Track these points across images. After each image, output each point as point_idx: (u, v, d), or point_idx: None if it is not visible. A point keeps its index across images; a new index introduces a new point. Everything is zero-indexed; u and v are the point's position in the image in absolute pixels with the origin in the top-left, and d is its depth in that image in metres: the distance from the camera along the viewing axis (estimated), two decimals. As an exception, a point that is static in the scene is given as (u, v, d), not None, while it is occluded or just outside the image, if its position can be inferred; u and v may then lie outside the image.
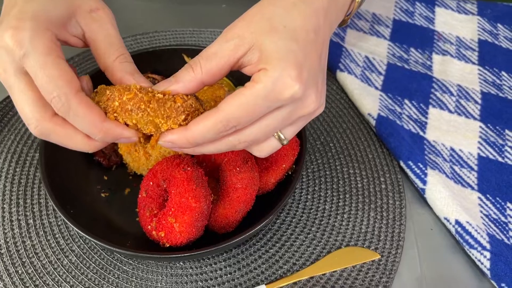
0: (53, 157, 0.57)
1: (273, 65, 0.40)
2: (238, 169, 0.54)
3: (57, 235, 0.59)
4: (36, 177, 0.63)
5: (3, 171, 0.63)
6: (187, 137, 0.42)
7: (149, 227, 0.54)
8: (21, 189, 0.62)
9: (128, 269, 0.56)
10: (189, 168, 0.52)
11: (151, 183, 0.55)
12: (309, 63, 0.42)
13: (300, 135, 0.60)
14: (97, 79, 0.47)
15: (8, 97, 0.71)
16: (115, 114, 0.43)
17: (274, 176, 0.57)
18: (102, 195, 0.61)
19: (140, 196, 0.56)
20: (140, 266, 0.57)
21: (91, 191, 0.61)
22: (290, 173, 0.59)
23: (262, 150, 0.47)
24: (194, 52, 0.69)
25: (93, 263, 0.57)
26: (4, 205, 0.60)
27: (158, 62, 0.68)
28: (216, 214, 0.54)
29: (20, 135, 0.67)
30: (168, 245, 0.52)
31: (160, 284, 0.56)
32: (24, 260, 0.56)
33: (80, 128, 0.42)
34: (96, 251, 0.58)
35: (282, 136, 0.46)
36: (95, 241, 0.50)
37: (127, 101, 0.42)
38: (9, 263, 0.56)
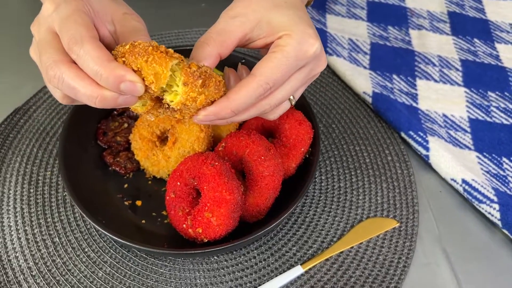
0: (74, 175, 0.57)
1: (294, 29, 0.45)
2: (262, 157, 0.55)
3: (86, 249, 0.58)
4: (52, 196, 0.63)
5: (17, 193, 0.62)
6: (231, 106, 0.44)
7: (184, 226, 0.54)
8: (39, 209, 0.61)
9: (164, 271, 0.57)
10: (216, 163, 0.53)
11: (178, 183, 0.56)
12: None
13: (310, 118, 0.62)
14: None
15: (8, 117, 0.69)
16: (123, 59, 0.41)
17: (295, 160, 0.59)
18: (126, 203, 0.61)
19: (168, 197, 0.57)
20: (176, 266, 0.57)
21: (114, 201, 0.61)
22: (307, 156, 0.61)
23: (276, 113, 0.51)
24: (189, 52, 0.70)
25: (128, 270, 0.57)
26: (26, 228, 0.59)
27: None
28: (247, 204, 0.56)
29: (27, 156, 0.66)
30: (206, 240, 0.54)
31: (199, 280, 0.57)
32: (58, 278, 0.56)
33: (88, 68, 0.41)
34: (129, 258, 0.58)
35: (291, 97, 0.50)
36: (138, 247, 0.51)
37: (136, 45, 0.41)
38: (44, 283, 0.55)
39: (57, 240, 0.59)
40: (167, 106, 0.45)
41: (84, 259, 0.57)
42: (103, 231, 0.51)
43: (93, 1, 0.46)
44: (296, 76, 0.47)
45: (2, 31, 0.84)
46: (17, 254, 0.57)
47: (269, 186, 0.55)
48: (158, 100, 0.45)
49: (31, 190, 0.63)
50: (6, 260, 0.57)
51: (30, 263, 0.57)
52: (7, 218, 0.60)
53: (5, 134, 0.68)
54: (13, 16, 0.87)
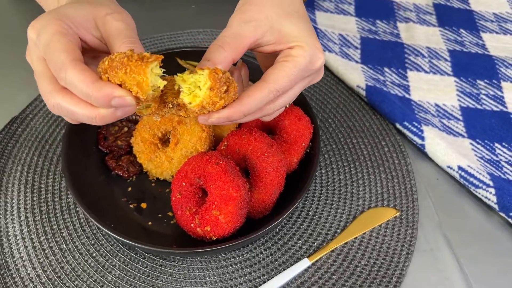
0: (78, 181, 0.57)
1: (306, 41, 0.47)
2: (266, 154, 0.56)
3: (94, 254, 0.58)
4: (55, 203, 0.63)
5: (20, 202, 0.62)
6: (243, 110, 0.45)
7: (192, 225, 0.55)
8: (44, 217, 0.61)
9: (173, 271, 0.58)
10: (221, 162, 0.54)
11: (183, 183, 0.56)
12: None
13: (308, 113, 0.63)
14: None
15: (5, 127, 0.69)
16: (106, 75, 0.41)
17: (296, 155, 0.60)
18: (131, 206, 0.61)
19: (174, 198, 0.57)
20: (185, 265, 0.58)
21: (119, 204, 0.61)
22: (308, 150, 0.62)
23: (272, 115, 0.53)
24: (186, 54, 0.71)
25: (137, 273, 0.57)
26: (32, 236, 0.59)
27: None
28: (252, 200, 0.56)
29: (27, 165, 0.66)
30: (215, 238, 0.54)
31: (209, 278, 0.57)
32: (68, 284, 0.56)
33: (77, 92, 0.42)
34: (138, 261, 0.58)
35: None
36: (148, 248, 0.51)
37: (114, 59, 0.41)
38: (53, 290, 0.55)
39: (64, 246, 0.59)
40: (171, 106, 0.45)
41: (92, 264, 0.58)
42: (113, 235, 0.52)
43: (71, 14, 0.45)
44: (300, 84, 0.49)
45: (4, 44, 0.84)
46: (25, 263, 0.57)
47: (273, 181, 0.56)
48: (162, 101, 0.46)
49: (34, 198, 0.63)
50: (15, 269, 0.57)
51: (39, 271, 0.57)
52: (12, 227, 0.60)
53: (3, 144, 0.67)
54: (3, 26, 0.87)
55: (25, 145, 0.68)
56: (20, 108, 0.72)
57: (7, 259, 0.57)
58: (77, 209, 0.62)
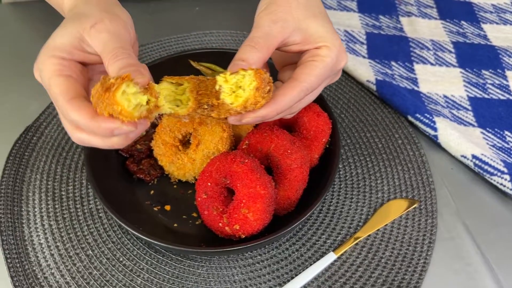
0: (103, 187, 0.57)
1: (333, 42, 0.49)
2: (289, 151, 0.57)
3: (120, 259, 0.59)
4: (77, 209, 0.62)
5: (43, 211, 0.62)
6: (277, 108, 0.46)
7: (220, 224, 0.55)
8: (67, 224, 0.61)
9: (201, 271, 0.58)
10: (246, 160, 0.55)
11: (209, 183, 0.57)
12: None
13: (325, 109, 0.64)
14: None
15: (20, 136, 0.69)
16: (97, 109, 0.42)
17: (317, 151, 0.61)
18: (155, 209, 0.61)
19: (199, 199, 0.58)
20: (212, 265, 0.58)
21: (143, 208, 0.61)
22: (328, 146, 0.63)
23: (295, 113, 0.54)
24: (199, 55, 0.71)
25: (166, 275, 0.58)
26: (57, 243, 0.59)
27: (166, 71, 0.69)
28: (278, 198, 0.57)
29: (46, 173, 0.66)
30: (243, 236, 0.55)
31: (237, 276, 0.58)
32: (97, 290, 0.56)
33: (85, 129, 0.44)
34: (165, 263, 0.58)
35: None
36: (180, 248, 0.51)
37: (93, 95, 0.42)
38: (84, 296, 0.55)
39: (90, 252, 0.59)
40: (206, 107, 0.46)
41: (120, 269, 0.58)
42: (146, 238, 0.52)
43: (60, 44, 0.45)
44: (324, 83, 0.51)
45: (5, 51, 0.83)
46: (53, 271, 0.57)
47: (298, 178, 0.57)
48: (198, 102, 0.46)
49: (56, 206, 0.62)
50: (43, 278, 0.56)
51: (67, 278, 0.57)
52: (37, 236, 0.60)
53: (20, 153, 0.67)
54: (11, 36, 0.86)
55: (41, 153, 0.68)
56: (33, 117, 0.72)
57: (34, 268, 0.57)
58: (100, 214, 0.62)
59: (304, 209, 0.56)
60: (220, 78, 0.45)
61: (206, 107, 0.46)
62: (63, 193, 0.64)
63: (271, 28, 0.47)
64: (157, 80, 0.47)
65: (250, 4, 0.95)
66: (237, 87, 0.44)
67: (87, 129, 0.43)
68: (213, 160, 0.58)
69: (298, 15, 0.49)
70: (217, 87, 0.45)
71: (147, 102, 0.44)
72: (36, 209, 0.62)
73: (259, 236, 0.55)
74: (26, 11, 0.89)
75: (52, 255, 0.58)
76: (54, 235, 0.60)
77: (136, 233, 0.53)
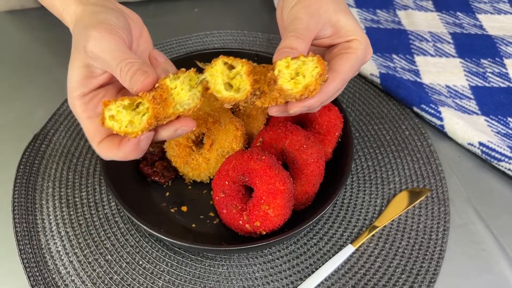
0: (121, 193, 0.57)
1: (362, 36, 0.51)
2: (304, 146, 0.57)
3: (140, 262, 0.58)
4: (93, 215, 0.62)
5: (58, 218, 0.61)
6: (322, 98, 0.47)
7: (240, 222, 0.56)
8: (84, 230, 0.61)
9: (222, 270, 0.58)
10: (263, 157, 0.55)
11: (226, 182, 0.57)
12: None
13: (335, 103, 0.65)
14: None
15: (29, 145, 0.68)
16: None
17: (330, 145, 0.62)
18: (172, 210, 0.61)
19: (217, 198, 0.58)
20: (233, 263, 0.58)
21: (160, 210, 0.61)
22: (340, 140, 0.64)
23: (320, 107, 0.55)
24: (204, 56, 0.71)
25: (187, 275, 0.58)
26: (75, 250, 0.59)
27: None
28: (296, 193, 0.57)
29: (58, 180, 0.65)
30: (264, 233, 0.55)
31: (258, 273, 0.58)
32: (119, 294, 0.56)
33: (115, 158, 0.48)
34: (185, 264, 0.58)
35: None
36: (203, 247, 0.52)
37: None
38: (106, 302, 0.55)
39: (109, 257, 0.59)
40: (258, 93, 0.46)
41: (140, 272, 0.58)
42: (170, 239, 0.52)
43: (76, 80, 0.47)
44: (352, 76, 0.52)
45: (5, 60, 0.82)
46: (73, 278, 0.57)
47: (314, 172, 0.57)
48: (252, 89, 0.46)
49: (71, 213, 0.62)
50: (63, 286, 0.56)
51: (88, 284, 0.56)
52: (54, 244, 0.59)
53: (30, 162, 0.66)
54: (10, 44, 0.85)
55: (51, 160, 0.67)
56: (39, 124, 0.71)
57: (53, 276, 0.57)
58: (116, 219, 0.62)
59: (322, 203, 0.57)
60: (281, 63, 0.45)
61: (257, 93, 0.46)
62: (77, 199, 0.63)
63: (309, 22, 0.49)
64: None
65: (248, 3, 0.96)
66: (296, 73, 0.45)
67: (122, 159, 0.47)
68: (229, 158, 0.58)
69: (328, 9, 0.50)
70: (276, 72, 0.45)
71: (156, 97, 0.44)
72: (51, 217, 0.61)
73: (279, 232, 0.56)
74: (23, 19, 0.88)
75: (71, 262, 0.58)
76: (72, 242, 0.59)
77: (160, 235, 0.52)
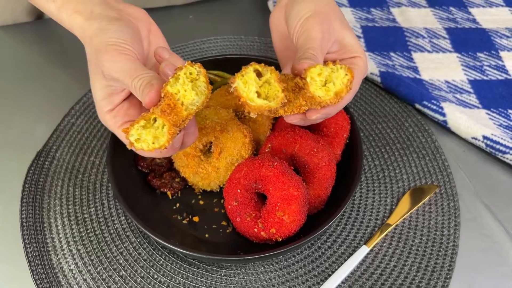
0: (132, 207, 0.56)
1: (362, 53, 0.54)
2: (315, 150, 0.57)
3: (155, 276, 0.58)
4: (103, 231, 0.61)
5: (68, 236, 0.60)
6: (339, 107, 0.50)
7: (255, 230, 0.55)
8: (95, 247, 0.60)
9: (239, 279, 0.58)
10: (275, 163, 0.55)
11: (238, 190, 0.57)
12: None
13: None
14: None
15: (33, 162, 0.67)
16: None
17: (339, 147, 0.62)
18: (184, 222, 0.61)
19: (230, 207, 0.57)
20: (248, 271, 0.58)
21: (172, 222, 0.60)
22: (347, 141, 0.64)
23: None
24: (207, 63, 0.70)
25: (204, 286, 0.57)
26: (88, 268, 0.58)
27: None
28: (309, 197, 0.57)
29: (64, 197, 0.64)
30: (280, 240, 0.55)
31: (275, 280, 0.58)
32: (137, 310, 0.55)
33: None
34: (201, 275, 0.58)
35: None
36: (223, 258, 0.51)
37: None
38: (124, 318, 0.54)
39: (124, 273, 0.58)
40: (285, 101, 0.46)
41: (156, 286, 0.57)
42: (187, 252, 0.52)
43: (102, 97, 0.51)
44: None
45: (5, 76, 0.80)
46: (88, 296, 0.56)
47: (326, 175, 0.57)
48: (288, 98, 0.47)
49: (81, 230, 0.61)
50: (79, 304, 0.55)
51: (104, 301, 0.55)
52: (66, 262, 0.58)
53: (35, 180, 0.65)
54: (7, 60, 0.83)
55: (56, 177, 0.66)
56: (40, 139, 0.70)
57: (68, 295, 0.56)
58: (127, 233, 0.61)
59: (336, 205, 0.57)
60: (314, 70, 0.46)
61: (284, 101, 0.46)
62: (86, 215, 0.63)
63: (323, 39, 0.51)
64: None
65: (242, 8, 0.95)
66: (325, 81, 0.46)
67: (158, 156, 0.51)
68: (239, 166, 0.57)
69: (337, 26, 0.53)
70: (308, 79, 0.45)
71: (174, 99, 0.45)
72: (60, 235, 0.60)
73: (295, 238, 0.55)
74: (16, 33, 0.87)
75: (85, 280, 0.57)
76: (84, 260, 0.59)
77: (177, 249, 0.52)
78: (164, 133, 0.44)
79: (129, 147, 0.45)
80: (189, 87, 0.45)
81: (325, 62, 0.47)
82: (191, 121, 0.50)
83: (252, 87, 0.45)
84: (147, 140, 0.45)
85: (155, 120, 0.45)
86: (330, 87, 0.45)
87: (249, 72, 0.45)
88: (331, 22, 0.52)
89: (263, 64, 0.46)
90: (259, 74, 0.46)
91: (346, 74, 0.46)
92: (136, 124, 0.45)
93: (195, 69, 0.46)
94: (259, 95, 0.46)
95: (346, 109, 0.64)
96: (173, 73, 0.45)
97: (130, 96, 0.52)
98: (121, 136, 0.51)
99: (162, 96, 0.45)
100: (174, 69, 0.46)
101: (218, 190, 0.63)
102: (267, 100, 0.46)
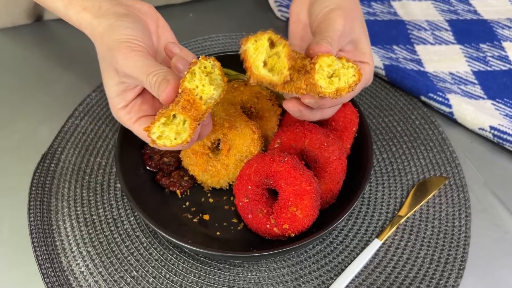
0: (142, 207, 0.56)
1: (372, 62, 0.55)
2: (325, 144, 0.57)
3: (167, 275, 0.57)
4: (112, 232, 0.60)
5: (77, 238, 0.60)
6: (335, 102, 0.51)
7: (267, 226, 0.55)
8: (105, 248, 0.59)
9: (252, 276, 0.57)
10: (286, 158, 0.54)
11: (249, 187, 0.56)
12: None
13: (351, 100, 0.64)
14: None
15: (38, 165, 0.66)
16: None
17: (348, 141, 0.61)
18: (194, 220, 0.60)
19: (241, 204, 0.57)
20: (261, 268, 0.58)
21: (183, 221, 0.60)
22: (356, 135, 0.63)
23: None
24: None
25: (217, 284, 0.56)
26: (99, 269, 0.57)
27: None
28: (320, 192, 0.57)
29: (72, 199, 0.63)
30: (293, 235, 0.54)
31: (288, 276, 0.57)
32: (150, 310, 0.54)
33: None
34: (214, 273, 0.57)
35: None
36: (237, 255, 0.51)
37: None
38: (138, 319, 0.54)
39: (135, 273, 0.57)
40: (288, 80, 0.46)
41: (169, 285, 0.56)
42: (201, 250, 0.51)
43: (115, 94, 0.51)
44: None
45: (5, 80, 0.80)
46: (100, 298, 0.55)
47: (337, 169, 0.57)
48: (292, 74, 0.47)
49: (90, 232, 0.60)
50: (91, 306, 0.54)
51: (117, 303, 0.55)
52: (76, 265, 0.57)
53: (41, 182, 0.64)
54: (7, 63, 0.82)
55: (63, 179, 0.65)
56: (45, 143, 0.69)
57: (80, 298, 0.55)
58: (137, 234, 0.60)
59: (348, 199, 0.56)
60: (326, 60, 0.45)
61: (287, 79, 0.46)
62: (95, 217, 0.62)
63: (343, 33, 0.51)
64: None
65: (242, 5, 0.95)
66: (332, 74, 0.46)
67: (177, 149, 0.50)
68: (249, 163, 0.57)
69: (356, 27, 0.53)
70: (317, 66, 0.45)
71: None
72: (70, 237, 0.60)
73: (307, 233, 0.55)
74: (15, 36, 0.86)
75: (96, 282, 0.56)
76: (94, 262, 0.58)
77: (192, 247, 0.52)
78: (186, 129, 0.45)
79: (151, 145, 0.46)
80: (206, 82, 0.45)
81: (339, 57, 0.46)
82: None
83: (261, 56, 0.45)
84: (169, 136, 0.45)
85: (174, 116, 0.45)
86: (335, 81, 0.45)
87: (263, 39, 0.45)
88: (353, 21, 0.52)
89: (279, 36, 0.46)
90: (271, 44, 0.46)
91: (354, 75, 0.46)
92: (157, 122, 0.45)
93: (210, 62, 0.45)
94: (265, 64, 0.46)
95: (354, 102, 0.64)
96: (185, 67, 0.45)
97: (143, 92, 0.52)
98: (137, 131, 0.51)
99: (180, 92, 0.45)
100: (186, 63, 0.46)
101: (227, 188, 0.63)
102: (271, 72, 0.46)
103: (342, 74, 0.45)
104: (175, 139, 0.45)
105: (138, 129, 0.50)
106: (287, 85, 0.47)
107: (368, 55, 0.54)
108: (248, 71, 0.45)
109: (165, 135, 0.45)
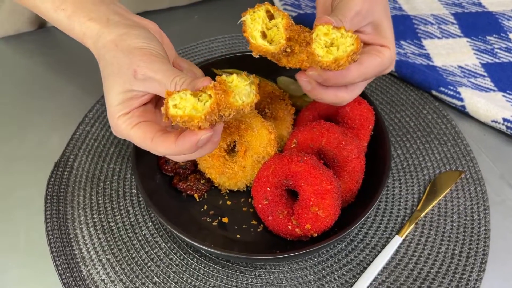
0: (162, 212, 0.55)
1: (393, 45, 0.53)
2: (343, 143, 0.56)
3: (189, 280, 0.57)
4: (131, 238, 0.60)
5: (96, 247, 0.59)
6: (338, 80, 0.49)
7: (289, 227, 0.55)
8: (125, 255, 0.58)
9: (274, 277, 0.57)
10: (305, 158, 0.54)
11: (268, 188, 0.56)
12: None
13: (364, 96, 0.64)
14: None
15: (52, 173, 0.65)
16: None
17: (365, 139, 0.61)
18: (213, 223, 0.60)
19: (260, 206, 0.57)
20: (283, 269, 0.57)
21: (202, 224, 0.59)
22: (372, 133, 0.63)
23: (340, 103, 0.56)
24: (221, 63, 0.70)
25: (239, 287, 0.56)
26: (121, 277, 0.57)
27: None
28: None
29: (88, 207, 0.63)
30: (316, 235, 0.54)
31: (311, 276, 0.57)
32: (174, 316, 0.54)
33: (175, 156, 0.52)
34: (236, 276, 0.57)
35: None
36: (261, 257, 0.50)
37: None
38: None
39: (157, 279, 0.57)
40: (288, 50, 0.47)
41: (191, 290, 0.56)
42: (224, 253, 0.51)
43: (116, 106, 0.49)
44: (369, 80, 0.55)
45: (7, 90, 0.79)
46: (123, 305, 0.55)
47: (356, 168, 0.57)
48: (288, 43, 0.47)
49: (109, 239, 0.60)
50: (114, 315, 0.54)
51: (140, 310, 0.54)
52: (97, 273, 0.57)
53: (56, 191, 0.64)
54: (12, 72, 0.82)
55: (77, 187, 0.65)
56: (56, 151, 0.69)
57: (102, 307, 0.55)
58: (156, 239, 0.60)
59: (368, 197, 0.56)
60: (322, 29, 0.45)
61: (287, 50, 0.46)
62: (112, 224, 0.61)
63: (358, 14, 0.50)
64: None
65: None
66: (331, 43, 0.45)
67: (177, 154, 0.48)
68: (267, 164, 0.57)
69: (377, 10, 0.52)
70: (314, 35, 0.45)
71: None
72: (88, 246, 0.59)
73: (330, 232, 0.55)
74: (19, 45, 0.85)
75: (118, 289, 0.56)
76: (115, 269, 0.57)
77: (214, 250, 0.51)
78: (206, 107, 0.43)
79: (163, 111, 0.44)
80: (242, 81, 0.45)
81: (337, 27, 0.46)
82: (218, 129, 0.48)
83: (258, 26, 0.46)
84: (185, 106, 0.43)
85: (199, 97, 0.44)
86: (333, 50, 0.45)
87: (260, 10, 0.47)
88: (373, 2, 0.52)
89: (276, 7, 0.47)
90: (271, 17, 0.47)
91: (353, 44, 0.45)
92: (182, 92, 0.43)
93: (248, 78, 0.46)
94: (265, 36, 0.47)
95: (368, 99, 0.64)
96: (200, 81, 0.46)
97: (146, 104, 0.51)
98: (137, 135, 0.49)
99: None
100: (194, 77, 0.47)
101: (244, 189, 0.62)
102: (272, 44, 0.46)
103: (341, 43, 0.45)
104: (190, 110, 0.43)
105: (138, 132, 0.49)
106: (290, 58, 0.48)
107: (389, 39, 0.53)
108: (248, 42, 0.47)
109: (181, 105, 0.43)
